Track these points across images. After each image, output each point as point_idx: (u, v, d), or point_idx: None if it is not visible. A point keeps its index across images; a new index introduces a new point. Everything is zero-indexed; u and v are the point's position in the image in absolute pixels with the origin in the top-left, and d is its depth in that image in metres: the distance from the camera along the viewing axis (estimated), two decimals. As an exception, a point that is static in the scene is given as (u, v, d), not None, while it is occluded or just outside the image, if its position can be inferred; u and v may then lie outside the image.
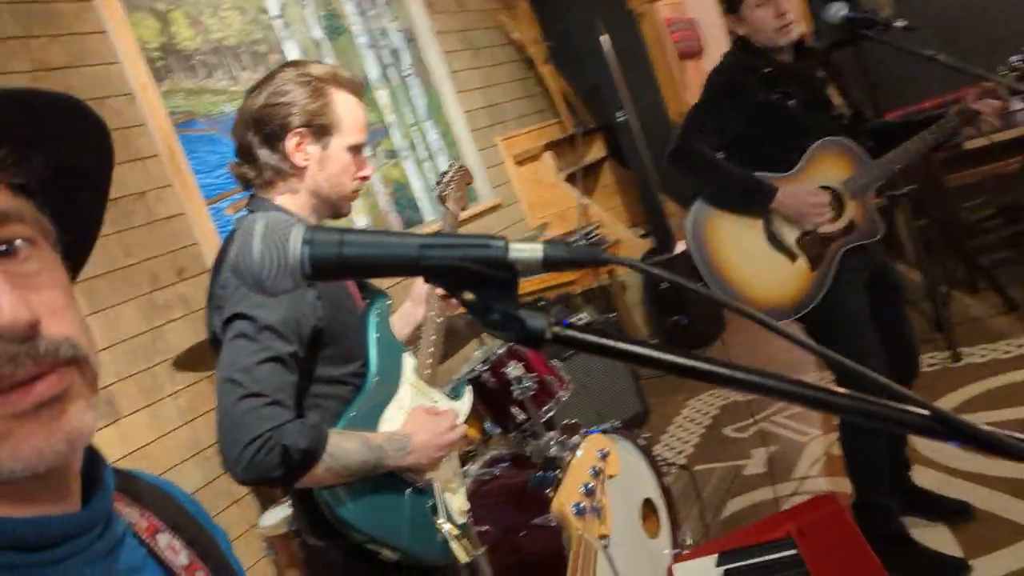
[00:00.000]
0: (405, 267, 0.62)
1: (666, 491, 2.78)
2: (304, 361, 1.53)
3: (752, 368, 0.58)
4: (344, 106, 1.64)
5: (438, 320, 1.84)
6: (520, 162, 5.90)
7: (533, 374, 2.65)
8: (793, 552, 1.28)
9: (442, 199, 2.06)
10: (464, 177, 2.16)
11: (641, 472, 2.71)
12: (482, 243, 0.61)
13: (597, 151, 6.47)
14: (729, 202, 2.47)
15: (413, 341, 1.88)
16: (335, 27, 4.80)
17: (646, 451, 2.73)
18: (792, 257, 2.45)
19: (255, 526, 3.40)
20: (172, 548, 0.73)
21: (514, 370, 2.61)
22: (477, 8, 6.07)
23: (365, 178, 1.70)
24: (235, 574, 0.80)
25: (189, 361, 2.88)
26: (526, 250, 0.60)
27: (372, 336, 1.69)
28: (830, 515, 1.32)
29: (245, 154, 1.64)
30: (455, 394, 1.86)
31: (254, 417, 1.38)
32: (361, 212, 4.59)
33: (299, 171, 1.62)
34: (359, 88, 1.69)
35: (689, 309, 5.04)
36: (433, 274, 0.62)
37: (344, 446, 1.46)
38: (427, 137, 5.33)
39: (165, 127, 3.57)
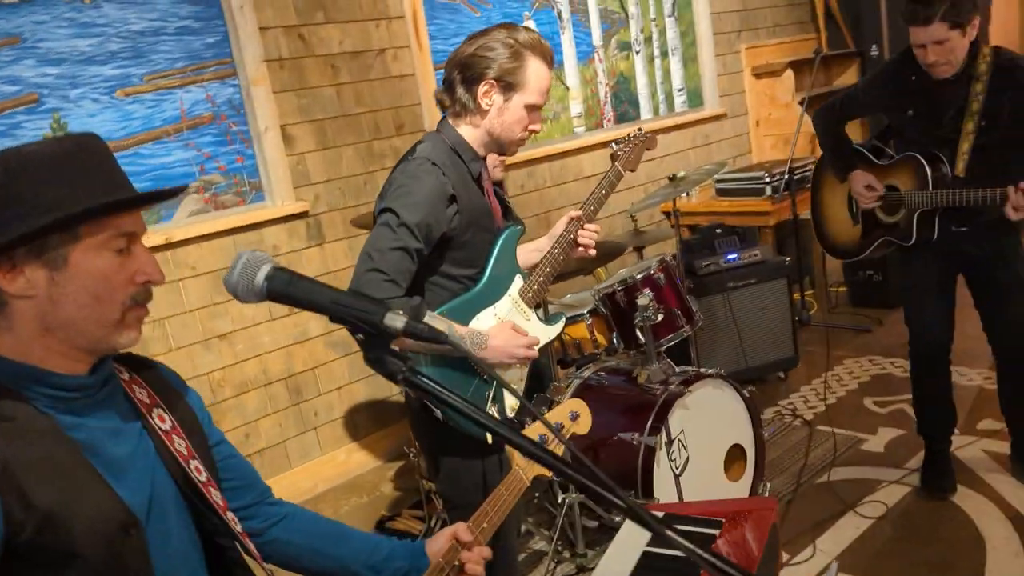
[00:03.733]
0: (322, 310, 1.01)
1: (760, 442, 2.95)
2: (430, 256, 1.93)
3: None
4: (534, 72, 1.98)
5: (559, 258, 2.11)
6: (758, 75, 5.74)
7: (660, 305, 2.85)
8: (714, 532, 1.48)
9: (613, 157, 2.29)
10: (647, 143, 2.36)
11: (738, 419, 2.90)
12: (370, 310, 0.98)
13: (848, 78, 6.10)
14: (829, 166, 3.21)
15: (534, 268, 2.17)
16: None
17: (748, 402, 2.90)
18: (854, 220, 3.14)
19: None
20: (160, 417, 1.21)
21: (643, 298, 2.82)
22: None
23: (535, 131, 2.04)
24: (206, 438, 1.27)
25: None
26: (395, 319, 0.97)
27: (495, 252, 2.05)
28: (759, 515, 1.48)
29: (447, 86, 2.02)
30: (552, 320, 2.14)
31: (374, 286, 1.80)
32: (578, 100, 4.78)
33: (482, 112, 1.99)
34: (551, 59, 2.02)
35: (886, 268, 4.91)
36: (337, 320, 0.98)
37: (434, 325, 1.81)
38: (666, 34, 5.31)
39: (413, -7, 3.91)
